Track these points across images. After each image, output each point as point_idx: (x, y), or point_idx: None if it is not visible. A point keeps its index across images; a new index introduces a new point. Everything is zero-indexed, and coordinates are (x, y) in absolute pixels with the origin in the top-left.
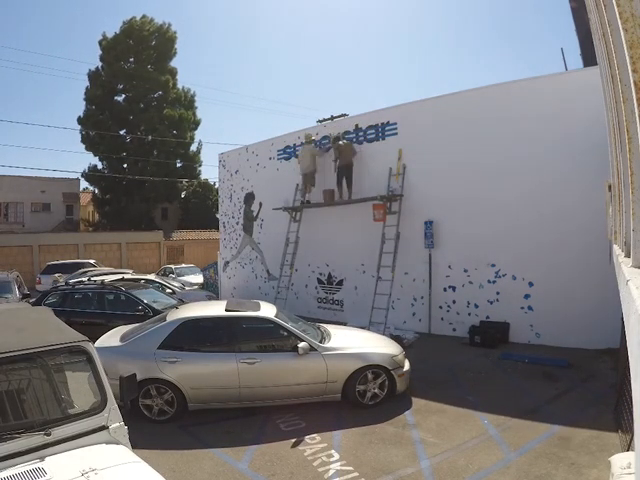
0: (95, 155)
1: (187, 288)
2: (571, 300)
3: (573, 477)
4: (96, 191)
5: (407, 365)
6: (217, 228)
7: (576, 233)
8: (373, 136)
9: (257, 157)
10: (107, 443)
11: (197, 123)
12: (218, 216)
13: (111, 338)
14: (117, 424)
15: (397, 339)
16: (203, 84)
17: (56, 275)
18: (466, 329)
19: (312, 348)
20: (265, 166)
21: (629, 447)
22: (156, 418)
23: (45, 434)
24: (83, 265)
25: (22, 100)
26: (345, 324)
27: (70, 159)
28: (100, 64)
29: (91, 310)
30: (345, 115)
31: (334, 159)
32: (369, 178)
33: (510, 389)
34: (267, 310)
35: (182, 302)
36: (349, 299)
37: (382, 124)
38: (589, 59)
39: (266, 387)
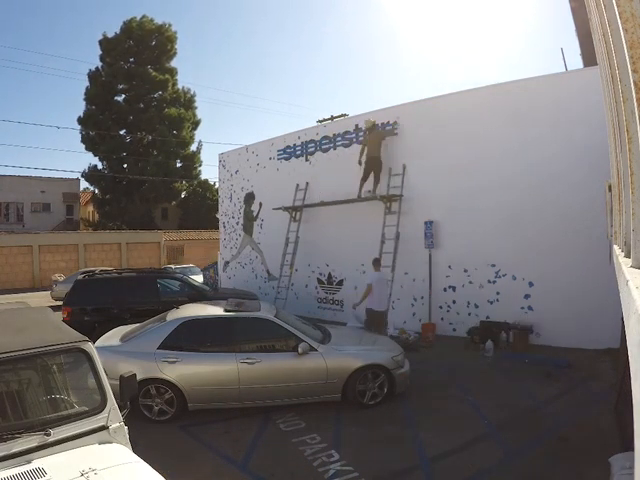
0: (95, 155)
1: None
2: (571, 300)
3: (573, 477)
4: (96, 191)
5: (407, 365)
6: (217, 228)
7: (576, 233)
8: None
9: (257, 157)
10: (107, 443)
11: (197, 123)
12: (218, 216)
13: (111, 338)
14: (117, 424)
15: (397, 339)
16: (203, 84)
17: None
18: (466, 329)
19: (312, 348)
20: (265, 166)
21: (629, 447)
22: (156, 418)
23: (45, 434)
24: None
25: (22, 100)
26: (345, 324)
27: (70, 159)
28: (100, 64)
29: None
30: (345, 115)
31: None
32: (369, 178)
33: (510, 389)
34: (267, 310)
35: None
36: (349, 299)
37: (382, 124)
38: (589, 59)
39: (266, 387)
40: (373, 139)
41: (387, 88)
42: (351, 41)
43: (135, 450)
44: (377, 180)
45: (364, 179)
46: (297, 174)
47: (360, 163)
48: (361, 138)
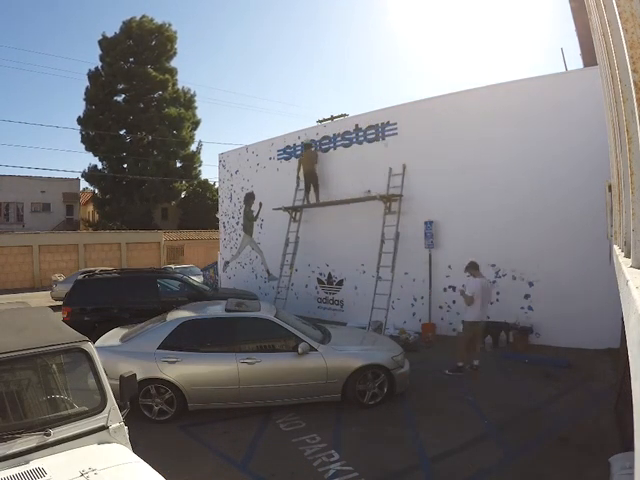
0: (95, 155)
1: None
2: (571, 300)
3: (573, 477)
4: (96, 191)
5: (407, 365)
6: (217, 228)
7: (576, 233)
8: (373, 136)
9: (257, 157)
10: (107, 443)
11: (197, 123)
12: (218, 216)
13: (111, 338)
14: (117, 424)
15: (397, 339)
16: (203, 84)
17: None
18: None
19: (312, 348)
20: (265, 166)
21: (629, 447)
22: (156, 418)
23: (45, 434)
24: None
25: (22, 100)
26: (345, 324)
27: (70, 159)
28: (100, 64)
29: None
30: (345, 115)
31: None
32: (369, 178)
33: (510, 389)
34: (267, 310)
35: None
36: (349, 299)
37: (382, 124)
38: (589, 59)
39: (266, 387)
40: (307, 157)
41: (387, 88)
42: (352, 41)
43: (135, 450)
44: (317, 191)
45: (307, 191)
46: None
47: (299, 178)
48: (361, 138)
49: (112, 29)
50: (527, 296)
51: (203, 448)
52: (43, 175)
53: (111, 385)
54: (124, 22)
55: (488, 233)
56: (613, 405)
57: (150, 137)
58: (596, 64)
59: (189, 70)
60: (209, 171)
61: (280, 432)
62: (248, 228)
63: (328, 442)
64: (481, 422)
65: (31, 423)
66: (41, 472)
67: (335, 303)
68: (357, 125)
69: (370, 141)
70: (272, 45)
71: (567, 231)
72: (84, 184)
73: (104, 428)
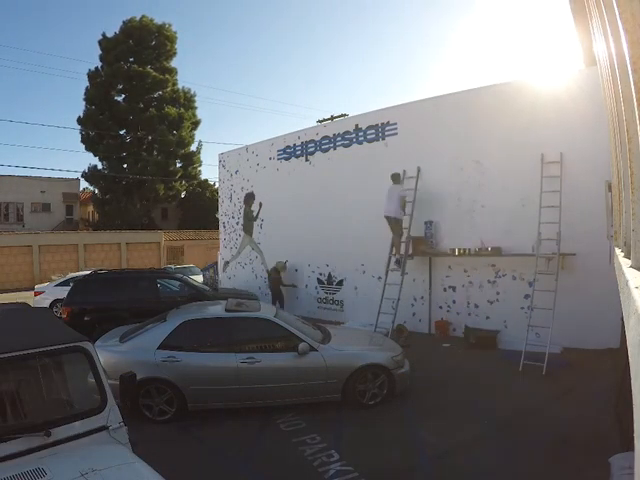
0: (95, 155)
1: None
2: (571, 300)
3: (573, 477)
4: (96, 191)
5: (407, 365)
6: (217, 228)
7: (576, 233)
8: (373, 136)
9: (257, 157)
10: (107, 443)
11: (197, 123)
12: (218, 216)
13: (111, 338)
14: (117, 424)
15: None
16: (203, 84)
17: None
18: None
19: (312, 348)
20: (265, 166)
21: (629, 447)
22: (156, 418)
23: (45, 434)
24: None
25: (22, 100)
26: (345, 324)
27: (70, 159)
28: (100, 64)
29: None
30: (345, 115)
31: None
32: (370, 178)
33: (510, 389)
34: (267, 310)
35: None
36: (349, 299)
37: (382, 124)
38: (589, 59)
39: (266, 387)
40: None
41: (388, 88)
42: (352, 41)
43: (135, 450)
44: None
45: None
46: (297, 174)
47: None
48: (361, 138)
49: (112, 29)
50: (527, 296)
51: (203, 448)
52: (43, 175)
53: (111, 385)
54: (124, 22)
55: (488, 233)
56: (613, 405)
57: (150, 137)
58: (596, 64)
59: (189, 70)
60: (209, 171)
61: (280, 432)
62: (248, 228)
63: (328, 442)
64: (481, 422)
65: (31, 423)
66: (41, 472)
67: (335, 303)
68: (357, 125)
69: (370, 141)
70: (273, 45)
71: (567, 230)
72: (84, 184)
73: (104, 428)
